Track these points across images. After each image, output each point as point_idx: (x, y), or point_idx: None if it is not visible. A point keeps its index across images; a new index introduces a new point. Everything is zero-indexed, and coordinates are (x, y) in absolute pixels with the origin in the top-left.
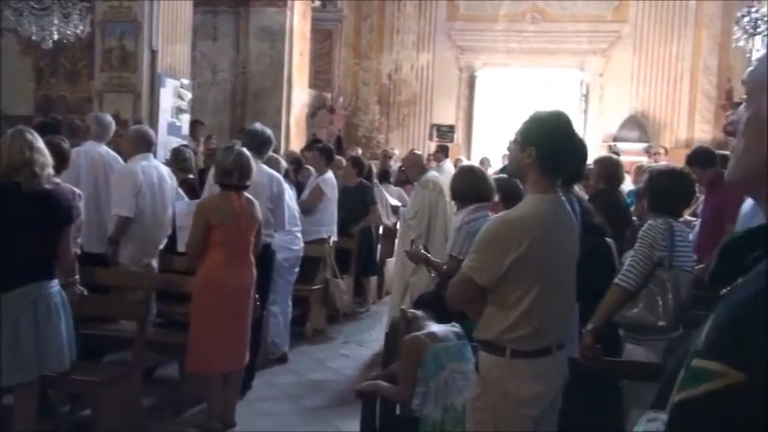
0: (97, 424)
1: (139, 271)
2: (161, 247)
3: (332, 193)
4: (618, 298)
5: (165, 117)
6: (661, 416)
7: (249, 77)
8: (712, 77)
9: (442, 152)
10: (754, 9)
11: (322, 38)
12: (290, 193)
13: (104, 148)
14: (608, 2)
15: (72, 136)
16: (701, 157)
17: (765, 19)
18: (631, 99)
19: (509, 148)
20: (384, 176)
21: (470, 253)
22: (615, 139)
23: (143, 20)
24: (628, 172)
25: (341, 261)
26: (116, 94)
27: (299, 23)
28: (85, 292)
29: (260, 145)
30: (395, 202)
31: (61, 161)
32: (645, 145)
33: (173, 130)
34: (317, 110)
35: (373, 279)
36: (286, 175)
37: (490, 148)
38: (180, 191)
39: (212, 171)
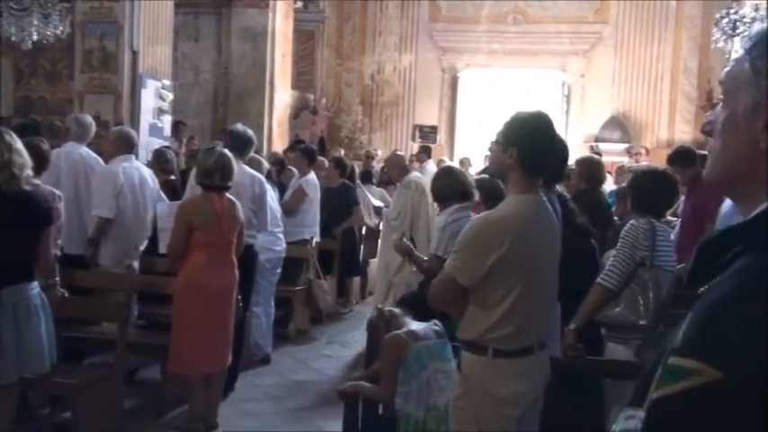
0: (78, 426)
1: (120, 273)
2: (142, 248)
3: (314, 194)
4: (600, 297)
5: (146, 118)
6: (639, 413)
7: (231, 78)
8: (692, 78)
9: (425, 153)
10: (732, 10)
11: (304, 39)
12: (271, 194)
13: (85, 150)
14: (589, 3)
15: (52, 137)
16: (681, 156)
17: (744, 20)
18: (612, 100)
19: (490, 149)
20: (366, 177)
21: (452, 253)
22: (597, 140)
23: (124, 21)
24: (609, 172)
25: (324, 262)
26: (97, 95)
27: (282, 24)
28: (66, 294)
29: (242, 146)
30: (377, 202)
31: (41, 162)
32: (626, 145)
33: (154, 131)
34: (300, 111)
35: (356, 280)
36: (268, 176)
37: (473, 148)
38: (161, 193)
39: (194, 172)
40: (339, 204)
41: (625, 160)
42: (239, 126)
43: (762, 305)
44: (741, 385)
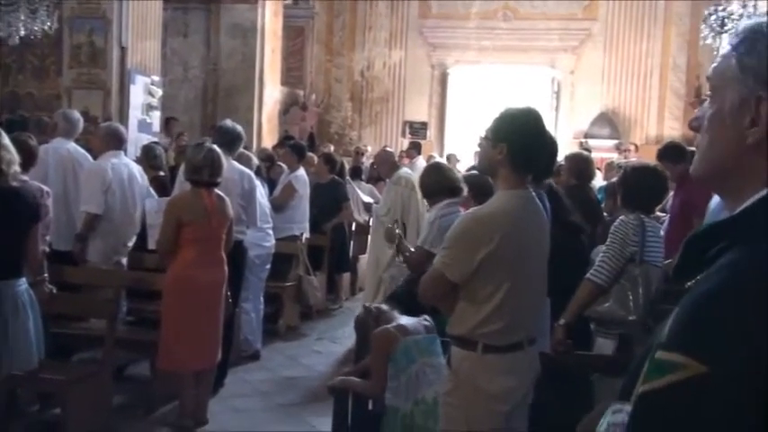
0: (67, 423)
1: (109, 269)
2: (130, 245)
3: (303, 190)
4: (589, 293)
5: (135, 114)
6: (626, 407)
7: (220, 74)
8: (681, 75)
9: (415, 149)
10: (721, 7)
11: (294, 35)
12: (261, 190)
13: (73, 146)
14: (578, 0)
15: (40, 133)
16: (671, 151)
17: (732, 17)
18: (602, 96)
19: (480, 145)
20: (356, 173)
21: (441, 249)
22: (586, 136)
23: (112, 16)
24: (598, 168)
25: (313, 258)
26: (85, 91)
27: (271, 20)
28: (54, 291)
29: (230, 142)
30: (367, 198)
31: (28, 158)
32: (615, 142)
33: (143, 127)
34: (290, 107)
35: (346, 276)
36: (257, 172)
37: (463, 144)
38: (150, 189)
39: (182, 168)
40: (329, 200)
41: (614, 156)
42: (228, 122)
43: (747, 300)
44: (726, 379)
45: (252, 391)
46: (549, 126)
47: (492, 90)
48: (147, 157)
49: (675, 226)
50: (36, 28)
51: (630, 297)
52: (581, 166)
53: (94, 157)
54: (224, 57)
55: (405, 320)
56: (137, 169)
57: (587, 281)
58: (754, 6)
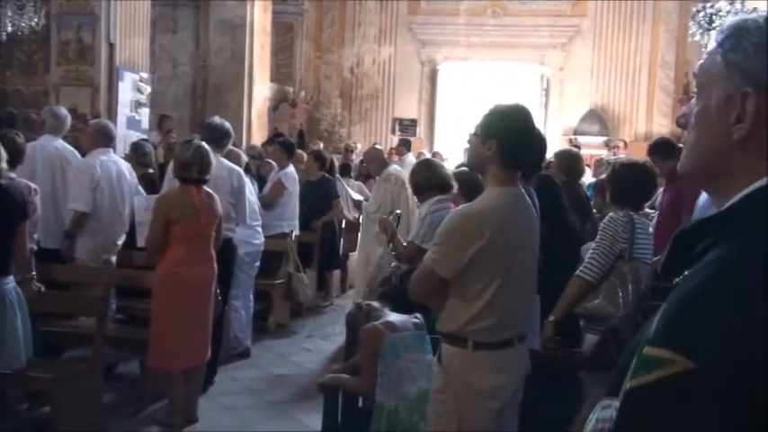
0: (56, 422)
1: (98, 266)
2: (120, 242)
3: (293, 188)
4: (579, 290)
5: (123, 111)
6: (614, 403)
7: (209, 71)
8: (670, 72)
9: (405, 146)
10: (709, 4)
11: (283, 31)
12: (250, 188)
13: (60, 142)
14: None
15: (28, 130)
16: (661, 148)
17: (720, 14)
18: (591, 93)
19: (469, 141)
20: (345, 170)
21: (432, 246)
22: (575, 133)
23: (100, 12)
24: (588, 165)
25: (303, 255)
26: (73, 88)
27: (260, 17)
28: (42, 289)
29: (219, 138)
30: (357, 196)
31: (16, 156)
32: (604, 138)
33: (132, 123)
34: (279, 104)
35: (336, 273)
36: (247, 169)
37: (452, 141)
38: (138, 186)
39: (171, 165)
40: (319, 197)
41: (603, 153)
42: (217, 119)
43: (733, 295)
44: (713, 374)
45: (242, 388)
46: (538, 123)
47: (481, 87)
48: (137, 154)
49: (664, 222)
50: (23, 24)
51: (620, 294)
52: (570, 162)
53: (83, 155)
54: (213, 53)
55: (394, 317)
56: (125, 167)
57: (577, 277)
58: (742, 3)
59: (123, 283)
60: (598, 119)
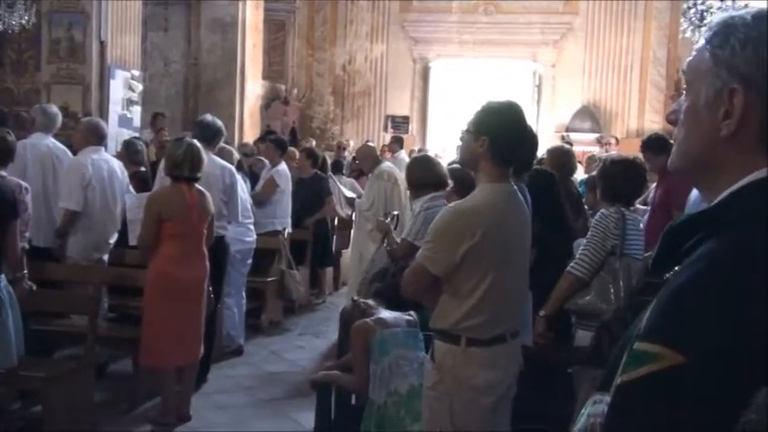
0: (48, 421)
1: (90, 265)
2: (112, 241)
3: (285, 185)
4: (570, 286)
5: (115, 109)
6: (606, 398)
7: (201, 69)
8: (661, 68)
9: (397, 143)
10: (700, 1)
11: (275, 29)
12: (242, 185)
13: (51, 141)
14: None
15: (18, 128)
16: (654, 143)
17: (711, 10)
18: (583, 90)
19: (461, 138)
20: (337, 168)
21: (424, 243)
22: (568, 130)
23: (91, 11)
24: (580, 162)
25: (296, 252)
26: (65, 86)
27: (252, 14)
28: (34, 288)
29: (211, 136)
30: (349, 193)
31: (6, 154)
32: (596, 135)
33: (123, 122)
34: (271, 101)
35: (329, 270)
36: (239, 167)
37: (445, 138)
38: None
39: (163, 163)
40: (311, 195)
41: (596, 150)
42: (208, 116)
43: (722, 290)
44: (702, 369)
45: (235, 386)
46: (530, 119)
47: (474, 84)
48: (128, 152)
49: (656, 218)
50: (14, 22)
51: (612, 290)
52: (562, 159)
53: (74, 153)
54: (205, 51)
55: (386, 314)
56: (117, 165)
57: (568, 273)
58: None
59: (115, 282)
60: (590, 115)
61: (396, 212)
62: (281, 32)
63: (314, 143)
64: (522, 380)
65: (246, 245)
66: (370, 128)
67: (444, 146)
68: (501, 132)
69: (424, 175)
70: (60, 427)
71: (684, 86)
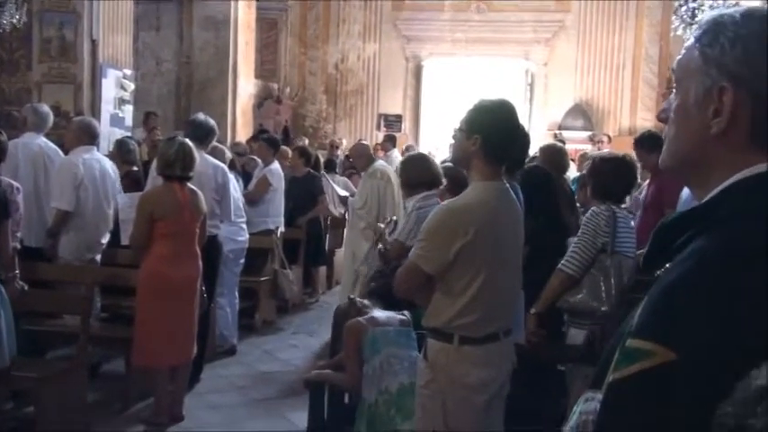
0: (41, 421)
1: (82, 265)
2: (104, 241)
3: (278, 184)
4: (561, 283)
5: (107, 108)
6: (598, 395)
7: (194, 67)
8: (653, 66)
9: (390, 142)
10: None
11: (267, 27)
12: (234, 184)
13: (43, 140)
14: None
15: (10, 128)
16: (647, 141)
17: (702, 8)
18: (575, 88)
19: (454, 136)
20: (330, 166)
21: (417, 241)
22: (560, 128)
23: (83, 10)
24: (572, 160)
25: (289, 251)
26: (56, 85)
27: (244, 13)
28: (26, 287)
29: (203, 135)
30: (342, 192)
31: None
32: (589, 133)
33: (115, 121)
34: (264, 100)
35: (322, 269)
36: (232, 166)
37: (438, 137)
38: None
39: (155, 163)
40: (304, 194)
41: (588, 148)
42: (201, 115)
43: (713, 287)
44: (694, 365)
45: (228, 386)
46: (522, 118)
47: (466, 82)
48: (121, 152)
49: (648, 215)
50: (5, 21)
51: (603, 287)
52: (555, 157)
53: (66, 153)
54: (197, 50)
55: (378, 313)
56: (109, 164)
57: (558, 271)
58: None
59: (107, 282)
60: (582, 113)
61: (394, 218)
62: (274, 31)
63: (307, 142)
64: (514, 378)
65: (239, 244)
66: (362, 126)
67: (437, 144)
68: (493, 131)
69: (419, 173)
70: (53, 427)
71: (674, 85)
